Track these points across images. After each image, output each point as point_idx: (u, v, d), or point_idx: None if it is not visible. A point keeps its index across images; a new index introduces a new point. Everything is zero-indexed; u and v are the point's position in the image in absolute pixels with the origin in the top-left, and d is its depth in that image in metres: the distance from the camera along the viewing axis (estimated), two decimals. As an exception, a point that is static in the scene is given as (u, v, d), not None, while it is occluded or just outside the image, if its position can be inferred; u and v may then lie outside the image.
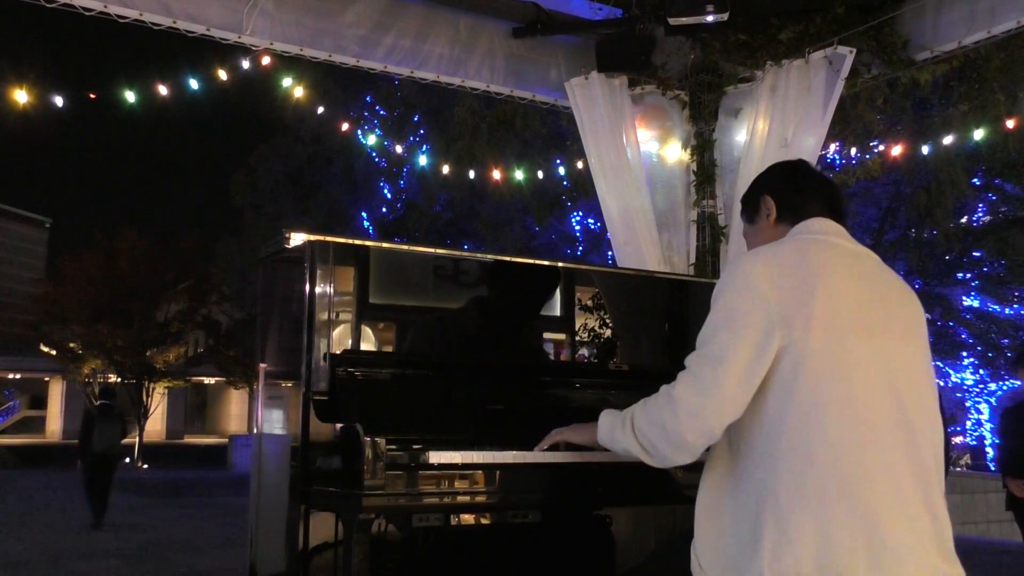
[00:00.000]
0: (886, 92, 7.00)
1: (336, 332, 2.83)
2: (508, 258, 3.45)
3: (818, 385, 1.72)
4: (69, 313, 29.40)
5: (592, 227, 18.77)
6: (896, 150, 8.90)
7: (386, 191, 23.70)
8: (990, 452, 18.39)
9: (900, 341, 1.84)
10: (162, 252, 30.39)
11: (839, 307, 1.78)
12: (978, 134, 8.50)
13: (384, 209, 23.82)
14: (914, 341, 1.89)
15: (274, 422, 3.22)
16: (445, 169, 12.13)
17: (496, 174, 10.40)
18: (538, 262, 3.46)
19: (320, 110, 12.97)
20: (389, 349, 3.05)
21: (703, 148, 5.43)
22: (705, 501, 1.88)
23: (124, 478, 19.60)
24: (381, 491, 2.41)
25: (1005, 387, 17.65)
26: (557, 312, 3.36)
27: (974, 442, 19.89)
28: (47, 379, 42.93)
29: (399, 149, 16.81)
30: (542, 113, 7.47)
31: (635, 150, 5.35)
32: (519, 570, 3.07)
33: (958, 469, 16.72)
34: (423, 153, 16.32)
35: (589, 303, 3.41)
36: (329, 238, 2.88)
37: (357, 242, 2.98)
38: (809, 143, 5.04)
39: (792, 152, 5.02)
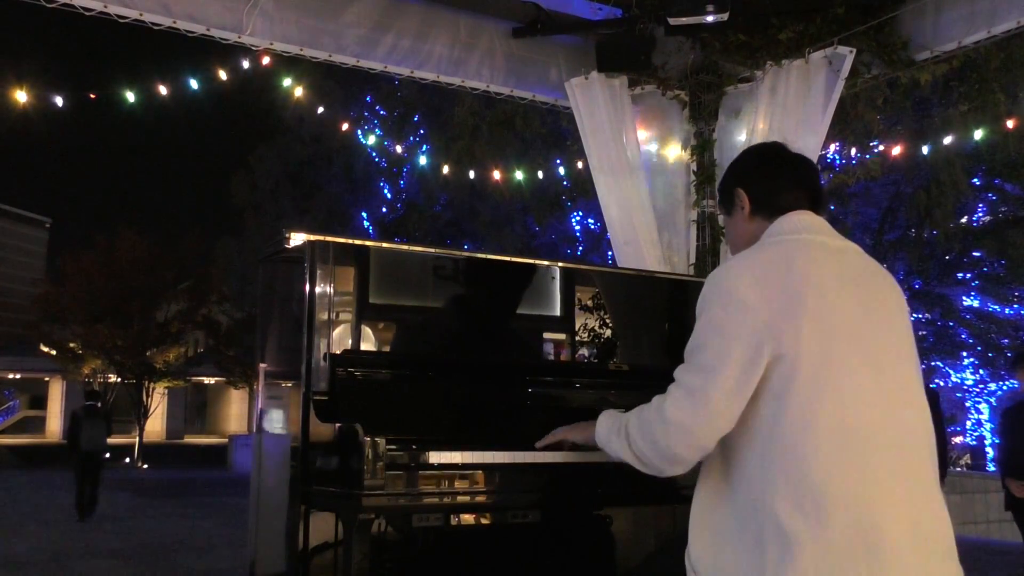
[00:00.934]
0: (886, 92, 7.01)
1: (336, 332, 2.83)
2: (508, 258, 3.45)
3: (810, 395, 1.70)
4: (69, 313, 29.40)
5: (592, 227, 18.78)
6: (896, 150, 8.91)
7: (386, 191, 23.71)
8: (990, 452, 18.39)
9: (887, 339, 1.83)
10: (162, 252, 30.37)
11: (829, 314, 1.76)
12: (978, 134, 8.51)
13: (384, 209, 23.83)
14: (900, 337, 1.87)
15: (274, 422, 3.22)
16: (445, 169, 12.15)
17: (496, 174, 10.41)
18: (538, 262, 3.46)
19: (320, 110, 13.00)
20: (389, 349, 3.05)
21: (703, 148, 5.43)
22: (701, 512, 1.86)
23: (124, 478, 19.62)
24: (381, 491, 2.41)
25: (1005, 387, 17.65)
26: (557, 312, 3.36)
27: (974, 442, 19.89)
28: (47, 379, 42.92)
29: (399, 149, 16.82)
30: (542, 113, 7.48)
31: (635, 150, 5.35)
32: (519, 570, 3.07)
33: (958, 469, 16.72)
34: (423, 153, 16.32)
35: (589, 303, 3.41)
36: (329, 238, 2.88)
37: (357, 242, 2.98)
38: (809, 143, 5.04)
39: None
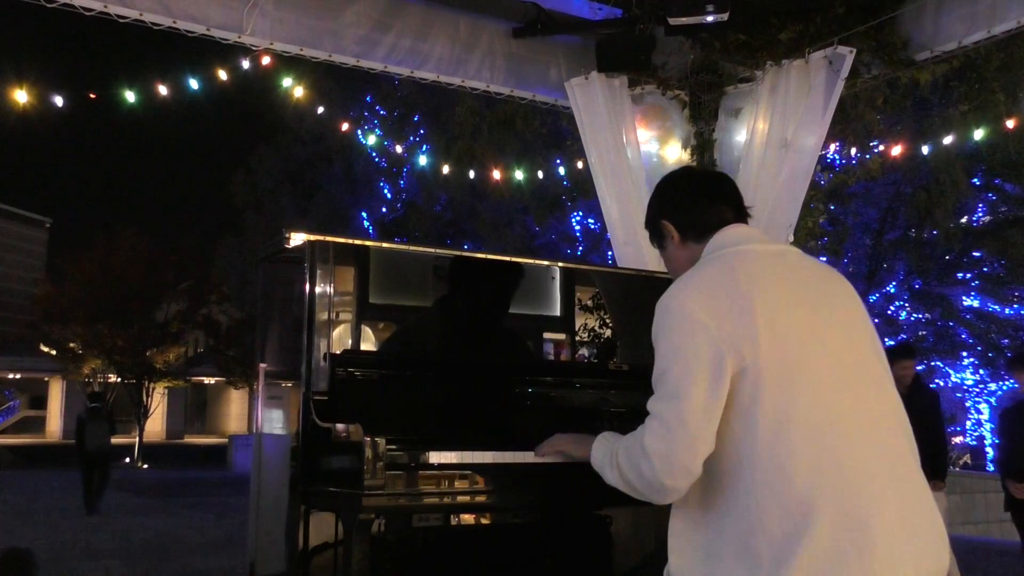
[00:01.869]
0: (886, 92, 6.99)
1: (336, 332, 2.83)
2: (508, 258, 3.45)
3: (780, 402, 1.71)
4: (69, 313, 29.38)
5: (592, 227, 18.77)
6: (896, 150, 8.90)
7: (386, 191, 23.70)
8: (990, 452, 18.38)
9: (843, 330, 1.84)
10: (162, 252, 30.40)
11: (780, 318, 1.77)
12: (978, 134, 8.49)
13: (384, 209, 23.82)
14: (856, 326, 1.88)
15: (274, 422, 3.22)
16: (445, 169, 12.14)
17: (496, 174, 10.40)
18: (538, 262, 3.46)
19: (320, 110, 12.96)
20: (389, 349, 3.04)
21: (703, 148, 5.43)
22: (683, 529, 1.86)
23: (124, 478, 19.61)
24: (381, 491, 2.41)
25: (1005, 387, 17.64)
26: (557, 312, 3.36)
27: (974, 442, 19.88)
28: (47, 379, 42.93)
29: (399, 149, 16.80)
30: (542, 113, 7.47)
31: (635, 150, 5.35)
32: (519, 570, 3.07)
33: (958, 469, 16.72)
34: (423, 153, 16.30)
35: (589, 303, 3.41)
36: (329, 238, 2.88)
37: (357, 242, 2.98)
38: (809, 143, 5.04)
39: (792, 152, 5.03)
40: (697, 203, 2.02)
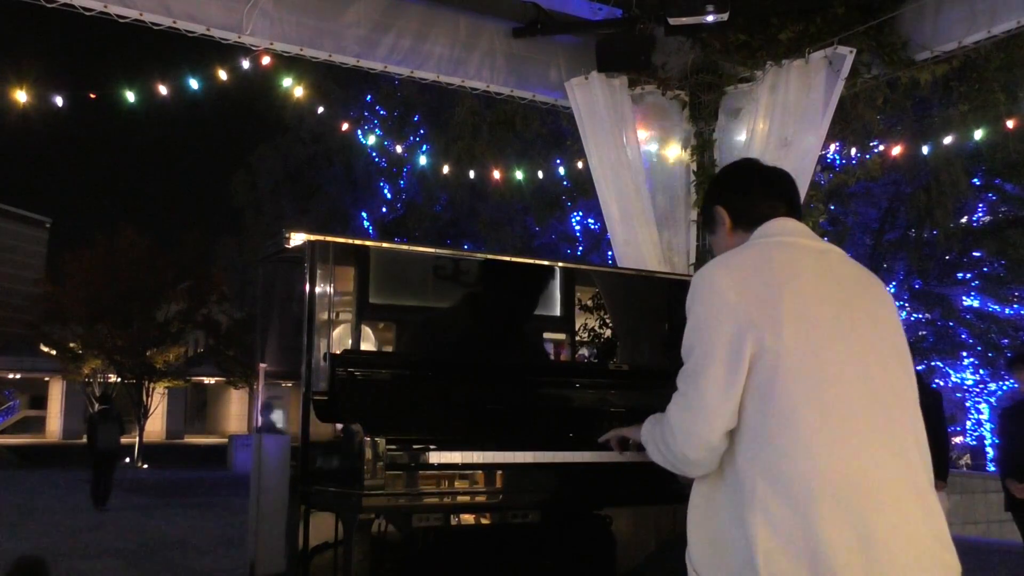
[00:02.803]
0: (886, 92, 6.99)
1: (336, 332, 2.83)
2: (508, 258, 3.45)
3: (794, 389, 1.73)
4: (69, 313, 29.38)
5: (592, 227, 18.77)
6: (896, 150, 8.89)
7: (386, 191, 23.70)
8: (990, 452, 18.39)
9: (871, 334, 1.85)
10: (162, 252, 30.37)
11: (808, 308, 1.79)
12: (978, 134, 8.49)
13: (384, 209, 23.82)
14: (885, 332, 1.89)
15: (274, 422, 3.22)
16: (445, 169, 12.13)
17: (496, 174, 10.40)
18: (537, 262, 3.46)
19: (320, 110, 12.99)
20: (389, 349, 3.05)
21: (703, 148, 5.43)
22: (698, 511, 1.89)
23: (124, 478, 19.60)
24: (381, 491, 2.41)
25: (1005, 387, 17.65)
26: (557, 312, 3.36)
27: (974, 442, 19.90)
28: (47, 379, 42.91)
29: (399, 149, 16.79)
30: (542, 113, 7.46)
31: (635, 150, 5.35)
32: (519, 570, 3.07)
33: (958, 469, 16.71)
34: (423, 153, 16.30)
35: (589, 303, 3.41)
36: (329, 238, 2.88)
37: (357, 242, 2.98)
38: (809, 143, 5.04)
39: (792, 152, 5.02)
40: (753, 193, 2.07)
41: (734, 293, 1.80)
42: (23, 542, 9.87)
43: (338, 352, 2.79)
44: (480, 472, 2.58)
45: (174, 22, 4.51)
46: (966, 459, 20.10)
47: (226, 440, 31.51)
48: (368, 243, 3.03)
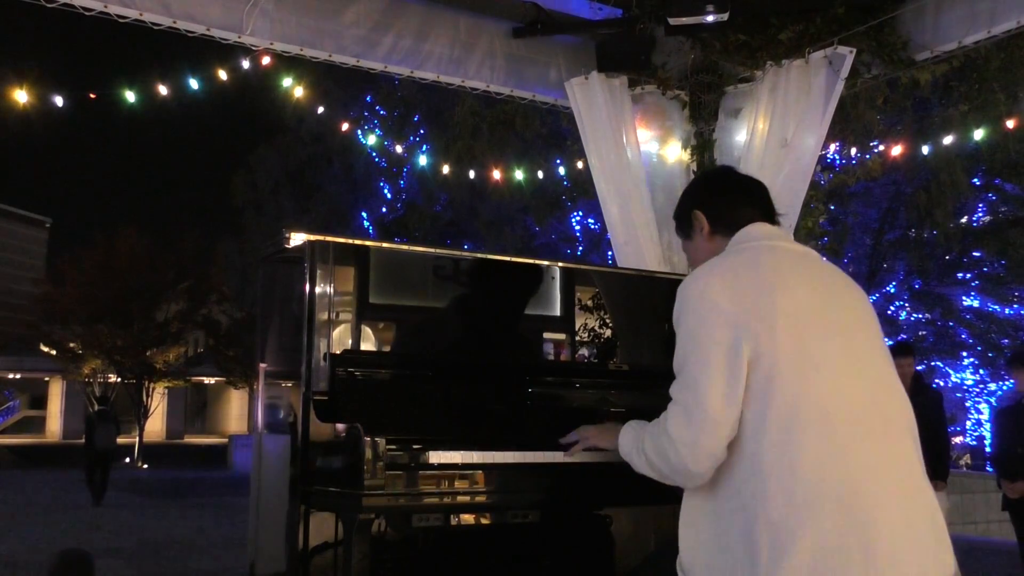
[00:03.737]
0: (886, 92, 7.00)
1: (336, 332, 2.83)
2: (507, 258, 3.45)
3: (793, 394, 1.73)
4: (69, 313, 29.40)
5: (592, 227, 18.76)
6: (896, 150, 8.90)
7: (386, 191, 23.67)
8: (990, 452, 18.39)
9: (859, 335, 1.87)
10: (162, 252, 30.38)
11: (800, 312, 1.80)
12: (978, 134, 8.50)
13: (384, 209, 23.79)
14: (870, 333, 1.92)
15: (274, 422, 3.22)
16: (445, 169, 12.11)
17: (496, 174, 10.39)
18: (537, 262, 3.46)
19: (320, 110, 12.97)
20: (389, 349, 3.05)
21: (703, 148, 5.43)
22: (690, 517, 1.88)
23: (124, 478, 19.62)
24: (381, 491, 2.41)
25: (1005, 387, 17.64)
26: (557, 312, 3.36)
27: (974, 442, 19.89)
28: (47, 379, 42.91)
29: (399, 149, 16.78)
30: (542, 113, 7.47)
31: (635, 150, 5.35)
32: (519, 570, 3.07)
33: (958, 469, 16.71)
34: (423, 153, 16.28)
35: (589, 303, 3.41)
36: (329, 238, 2.88)
37: (357, 242, 2.98)
38: (809, 143, 5.04)
39: (792, 152, 5.02)
40: (731, 199, 2.08)
41: (727, 299, 1.79)
42: (22, 542, 9.87)
43: (338, 352, 2.79)
44: (480, 472, 2.59)
45: (174, 22, 4.51)
46: (966, 459, 20.09)
47: (226, 440, 31.53)
48: (368, 243, 3.03)
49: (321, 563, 2.73)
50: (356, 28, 4.98)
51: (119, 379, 30.58)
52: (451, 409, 2.90)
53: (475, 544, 2.99)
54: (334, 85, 18.80)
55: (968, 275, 17.83)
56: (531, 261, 3.45)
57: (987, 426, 18.68)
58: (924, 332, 18.21)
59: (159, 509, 14.29)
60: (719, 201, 2.08)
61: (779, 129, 5.06)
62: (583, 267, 3.76)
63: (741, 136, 5.40)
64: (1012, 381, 14.52)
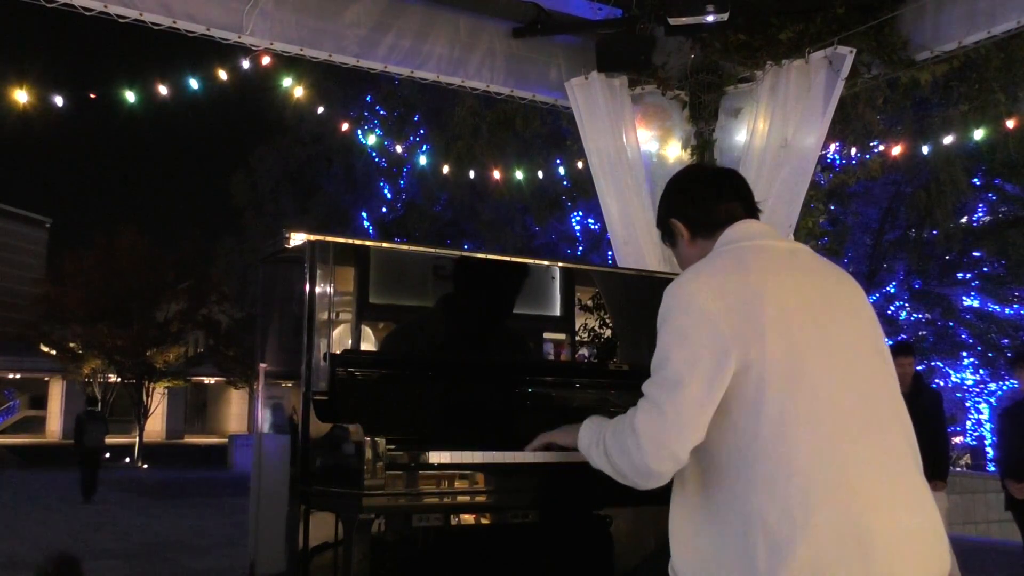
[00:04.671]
0: (886, 92, 6.99)
1: (336, 332, 2.83)
2: (508, 258, 3.44)
3: (784, 399, 1.71)
4: (69, 313, 29.39)
5: (592, 227, 18.77)
6: (896, 150, 8.89)
7: (386, 191, 23.68)
8: (990, 452, 18.38)
9: (852, 330, 1.85)
10: (162, 252, 30.42)
11: (789, 314, 1.78)
12: (978, 134, 8.48)
13: (384, 209, 23.80)
14: (864, 328, 1.89)
15: (274, 422, 3.22)
16: (445, 169, 12.11)
17: (496, 174, 10.40)
18: (538, 262, 3.46)
19: (320, 110, 12.97)
20: (389, 349, 3.04)
21: (703, 148, 5.43)
22: (683, 525, 1.85)
23: (124, 478, 19.63)
24: (381, 491, 2.41)
25: (1005, 387, 17.65)
26: (557, 312, 3.36)
27: (974, 442, 19.89)
28: (47, 379, 42.92)
29: (399, 149, 16.79)
30: (542, 113, 7.47)
31: (635, 150, 5.35)
32: (519, 570, 3.07)
33: (958, 469, 16.71)
34: (423, 153, 16.29)
35: (589, 303, 3.41)
36: (329, 238, 2.88)
37: (357, 242, 2.98)
38: (809, 143, 5.04)
39: (792, 152, 5.03)
40: (706, 200, 2.03)
41: (713, 305, 1.76)
42: (22, 542, 9.88)
43: (338, 352, 2.78)
44: (480, 472, 2.58)
45: (174, 22, 4.51)
46: (966, 459, 20.08)
47: (226, 440, 31.52)
48: (368, 243, 3.03)
49: (321, 563, 2.72)
50: (356, 28, 4.98)
51: (119, 379, 30.58)
52: (451, 409, 2.90)
53: (475, 544, 2.98)
54: (334, 85, 18.82)
55: (968, 275, 17.84)
56: (531, 261, 3.45)
57: (987, 426, 18.69)
58: (924, 332, 18.22)
59: (159, 509, 14.29)
60: (691, 205, 2.05)
61: (779, 129, 5.06)
62: (583, 267, 3.76)
63: (741, 136, 5.40)
64: (1013, 381, 14.54)
